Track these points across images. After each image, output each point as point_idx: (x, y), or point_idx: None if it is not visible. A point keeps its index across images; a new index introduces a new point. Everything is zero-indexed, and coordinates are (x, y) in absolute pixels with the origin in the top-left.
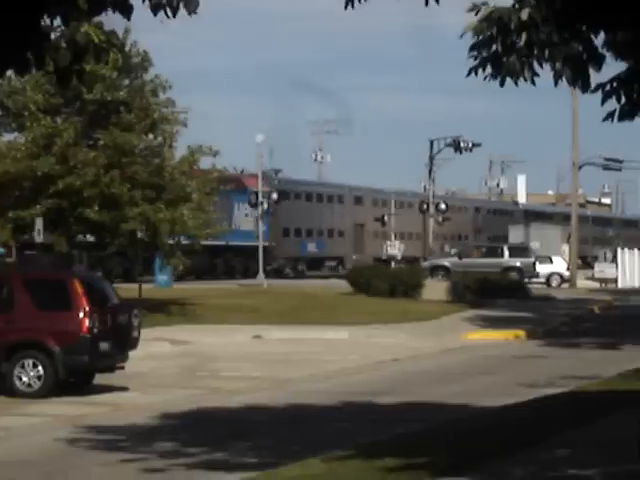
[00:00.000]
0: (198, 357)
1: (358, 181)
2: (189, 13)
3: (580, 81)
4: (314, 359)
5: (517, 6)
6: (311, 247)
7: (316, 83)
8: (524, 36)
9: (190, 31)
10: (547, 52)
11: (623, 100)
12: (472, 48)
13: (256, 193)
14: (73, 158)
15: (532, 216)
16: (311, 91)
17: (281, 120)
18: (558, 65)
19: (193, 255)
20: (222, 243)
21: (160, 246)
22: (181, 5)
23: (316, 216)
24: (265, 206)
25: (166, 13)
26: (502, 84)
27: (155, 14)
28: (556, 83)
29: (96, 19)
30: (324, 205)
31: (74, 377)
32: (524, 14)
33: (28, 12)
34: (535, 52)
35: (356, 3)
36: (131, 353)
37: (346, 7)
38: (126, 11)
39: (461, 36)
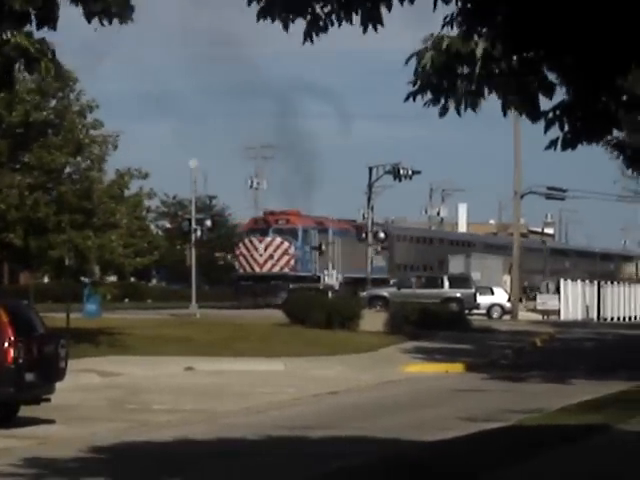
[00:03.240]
0: (127, 389)
1: (295, 208)
2: (121, 22)
3: (530, 111)
4: (248, 392)
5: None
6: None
7: (252, 108)
8: (478, 68)
9: (123, 52)
10: (497, 82)
11: (566, 128)
12: (416, 74)
13: (190, 222)
14: None
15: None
16: (247, 115)
17: (216, 145)
18: (509, 96)
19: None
20: (363, 276)
21: (88, 274)
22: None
23: (418, 254)
24: (199, 234)
25: (101, 22)
26: (443, 114)
27: (89, 21)
28: (505, 113)
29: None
30: (424, 246)
31: None
32: (479, 50)
33: None
34: (485, 82)
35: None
36: (58, 385)
37: (304, 43)
38: (52, 21)
39: (406, 62)
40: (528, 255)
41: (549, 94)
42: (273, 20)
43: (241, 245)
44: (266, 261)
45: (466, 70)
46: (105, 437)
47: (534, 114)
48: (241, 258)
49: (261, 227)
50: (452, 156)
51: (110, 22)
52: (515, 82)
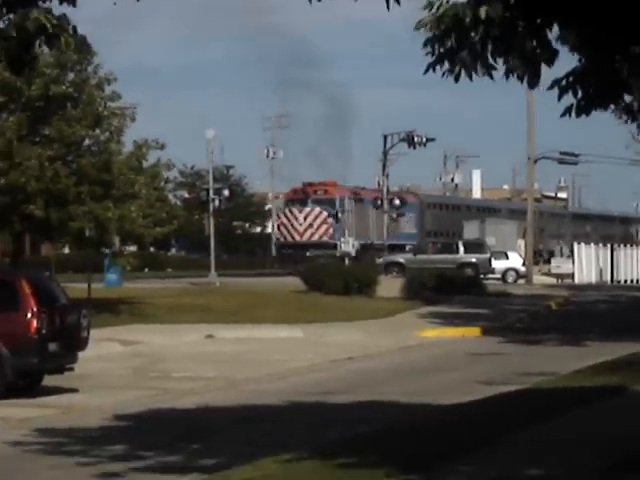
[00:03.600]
0: (149, 357)
1: (312, 177)
2: None
3: (529, 77)
4: (267, 359)
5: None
6: None
7: (269, 77)
8: (479, 32)
9: (141, 26)
10: (500, 47)
11: (579, 95)
12: (426, 43)
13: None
14: (18, 155)
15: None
16: (262, 86)
17: (232, 115)
18: (511, 60)
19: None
20: (395, 242)
21: (108, 245)
22: None
23: (447, 221)
24: (217, 203)
25: None
26: (457, 80)
27: None
28: (507, 77)
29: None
30: (452, 213)
31: (22, 379)
32: (482, 12)
33: None
34: (489, 47)
35: None
36: (80, 354)
37: (311, 1)
38: None
39: (415, 29)
40: (550, 220)
41: (550, 62)
42: None
43: (281, 215)
44: (306, 230)
45: (469, 35)
46: (128, 405)
47: (533, 81)
48: (282, 227)
49: (300, 197)
50: (465, 123)
51: None
52: (519, 47)
